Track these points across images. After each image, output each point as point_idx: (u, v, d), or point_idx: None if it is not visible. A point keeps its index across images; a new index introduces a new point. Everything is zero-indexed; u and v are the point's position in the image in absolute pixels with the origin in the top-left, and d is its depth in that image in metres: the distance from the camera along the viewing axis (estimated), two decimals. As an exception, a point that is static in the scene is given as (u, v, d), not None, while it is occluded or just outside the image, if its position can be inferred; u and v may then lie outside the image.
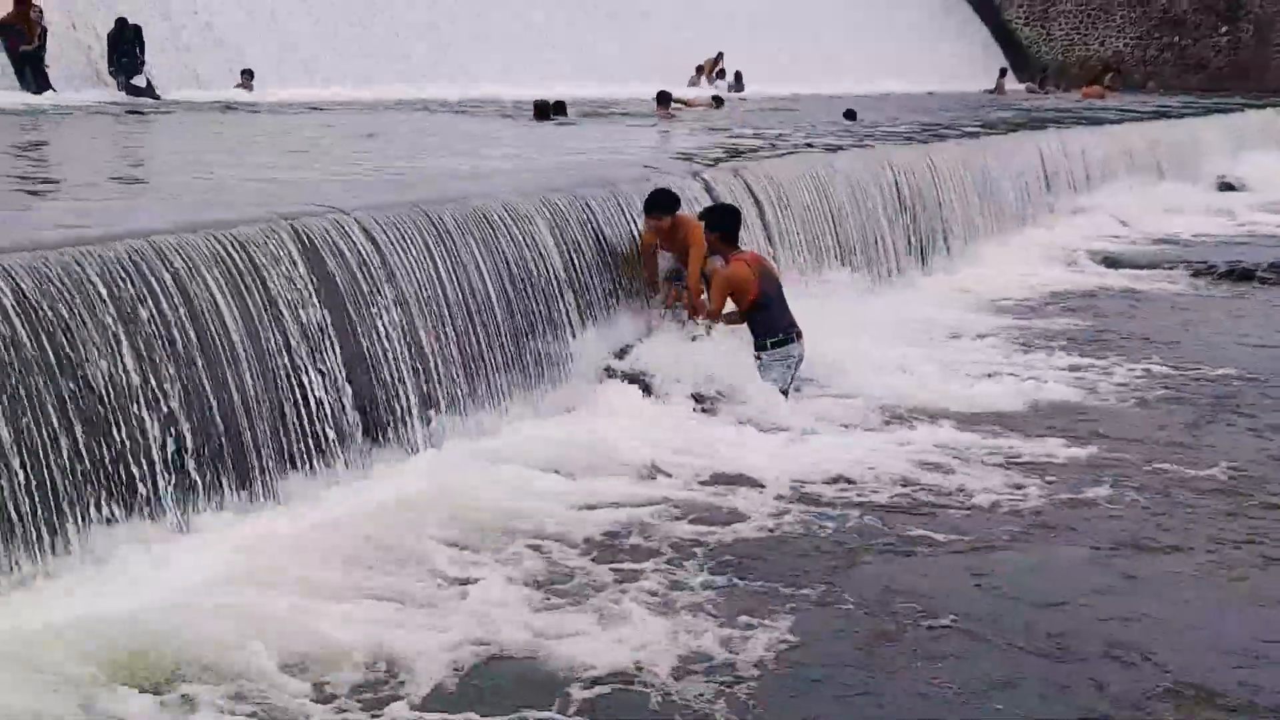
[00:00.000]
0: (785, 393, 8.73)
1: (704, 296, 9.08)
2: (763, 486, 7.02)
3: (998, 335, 11.20)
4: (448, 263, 7.84)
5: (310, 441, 6.60)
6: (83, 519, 5.45)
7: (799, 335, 8.95)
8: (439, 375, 7.53)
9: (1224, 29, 46.76)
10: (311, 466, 6.58)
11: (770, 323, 8.91)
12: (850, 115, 20.21)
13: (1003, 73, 42.72)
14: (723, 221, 9.19)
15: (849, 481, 7.16)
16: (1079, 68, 46.28)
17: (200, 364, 6.09)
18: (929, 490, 7.05)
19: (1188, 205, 20.28)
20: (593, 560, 5.96)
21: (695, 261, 9.08)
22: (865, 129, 17.59)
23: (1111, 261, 15.26)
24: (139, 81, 19.31)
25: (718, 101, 23.79)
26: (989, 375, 9.62)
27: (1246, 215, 20.12)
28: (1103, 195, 19.09)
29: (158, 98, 19.05)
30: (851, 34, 39.48)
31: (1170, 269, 14.81)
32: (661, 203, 9.22)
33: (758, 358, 8.83)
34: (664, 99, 20.82)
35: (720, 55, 32.16)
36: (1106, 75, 41.50)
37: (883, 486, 7.10)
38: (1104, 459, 7.64)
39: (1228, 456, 7.66)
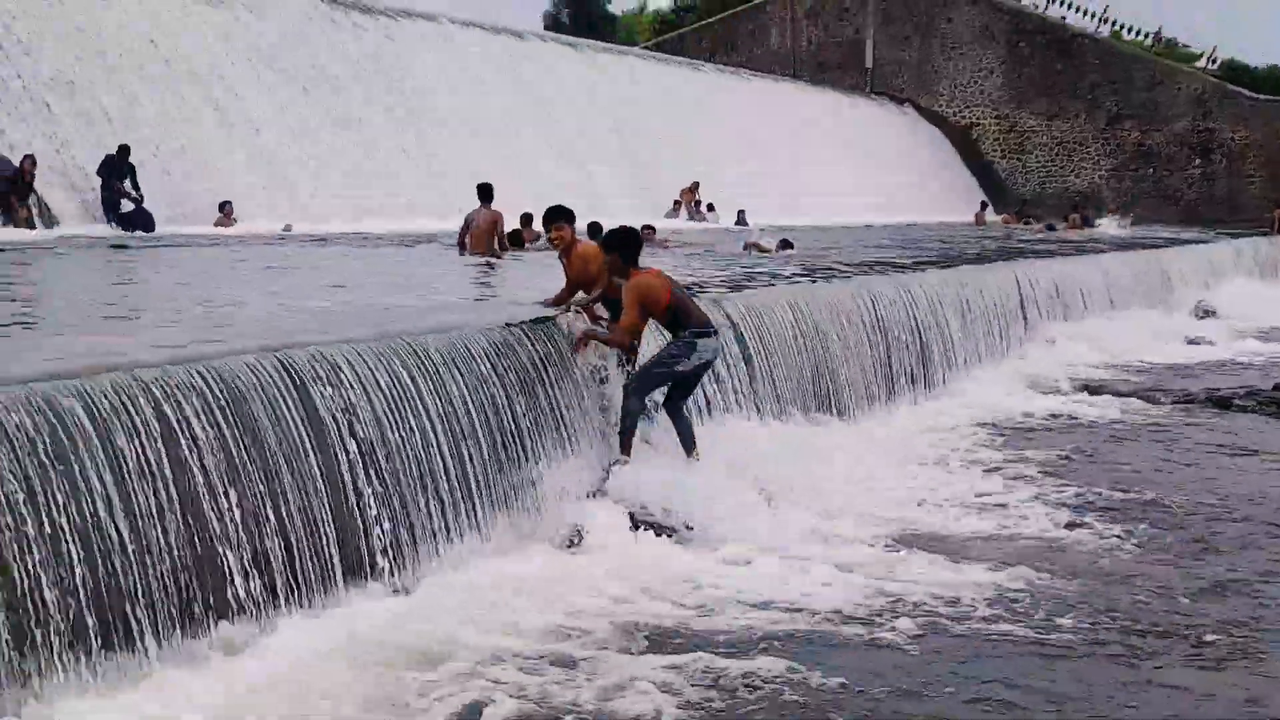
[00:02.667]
0: (694, 375, 9.20)
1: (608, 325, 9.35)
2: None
3: (977, 464, 11.23)
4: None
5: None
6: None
7: (715, 333, 9.41)
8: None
9: (1197, 162, 47.68)
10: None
11: (689, 319, 9.20)
12: (786, 245, 20.19)
13: (983, 205, 43.48)
14: (623, 241, 9.25)
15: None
16: (1057, 200, 47.03)
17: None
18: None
19: (1165, 333, 20.51)
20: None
21: (597, 287, 9.39)
22: (820, 257, 17.77)
23: (1092, 389, 15.37)
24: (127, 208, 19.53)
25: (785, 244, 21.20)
26: (966, 505, 9.65)
27: (1223, 342, 20.34)
28: (1082, 323, 19.28)
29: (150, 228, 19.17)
30: (832, 167, 40.13)
31: (1149, 397, 14.91)
32: (551, 213, 9.62)
33: (678, 338, 9.13)
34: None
35: (696, 185, 32.51)
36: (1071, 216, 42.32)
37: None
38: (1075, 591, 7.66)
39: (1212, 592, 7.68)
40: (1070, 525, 9.10)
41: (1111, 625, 6.97)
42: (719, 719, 5.67)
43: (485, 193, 16.69)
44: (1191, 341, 20.25)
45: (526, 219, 18.57)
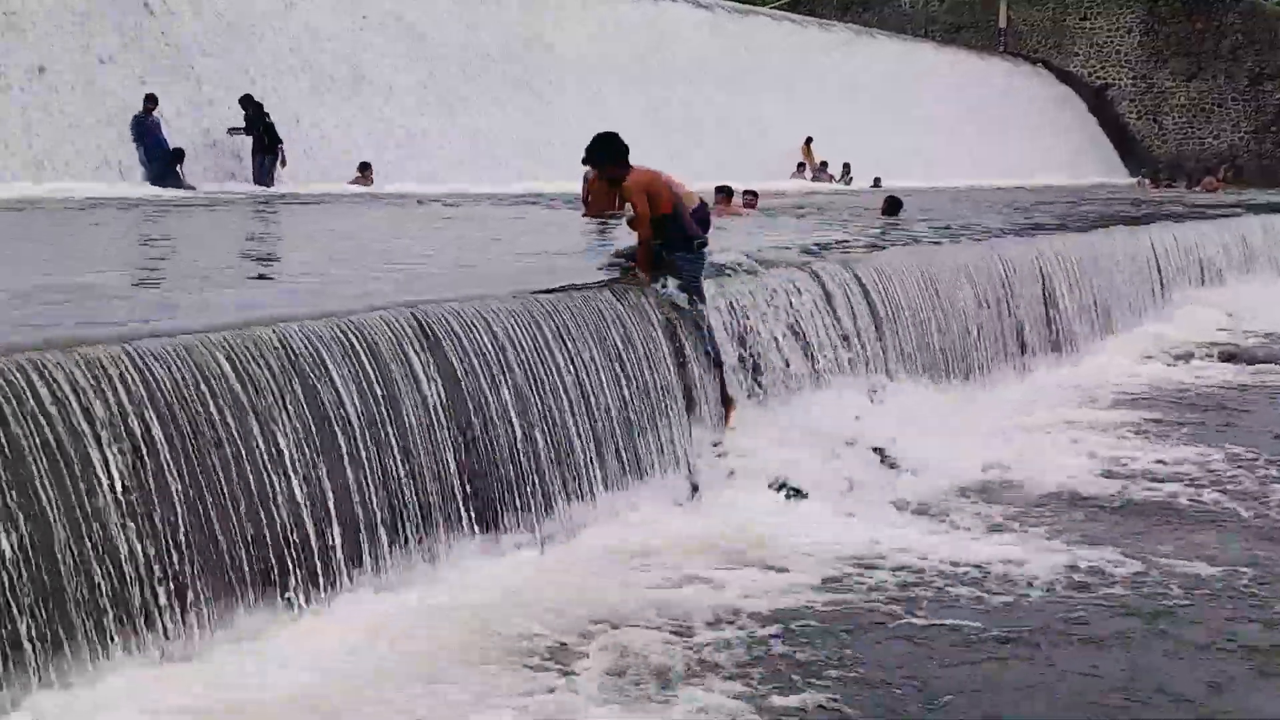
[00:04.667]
0: (699, 289, 9.14)
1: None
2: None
3: (1108, 430, 11.12)
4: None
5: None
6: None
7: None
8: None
9: (1342, 123, 46.22)
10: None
11: (688, 227, 9.15)
12: (894, 205, 18.58)
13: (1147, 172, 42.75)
14: (601, 151, 9.15)
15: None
16: (1194, 161, 45.91)
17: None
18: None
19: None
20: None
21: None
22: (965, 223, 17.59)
23: (1228, 356, 15.08)
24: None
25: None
26: (1094, 470, 9.59)
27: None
28: (1218, 289, 18.88)
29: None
30: (961, 128, 39.58)
31: (1284, 363, 14.63)
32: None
33: (685, 257, 9.14)
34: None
35: (810, 140, 32.17)
36: (1221, 169, 41.18)
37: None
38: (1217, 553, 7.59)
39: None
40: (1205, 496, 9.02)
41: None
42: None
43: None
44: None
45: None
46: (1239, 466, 9.74)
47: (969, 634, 6.22)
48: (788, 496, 8.40)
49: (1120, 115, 49.14)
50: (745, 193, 19.56)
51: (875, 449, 9.14)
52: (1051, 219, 19.24)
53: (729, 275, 10.06)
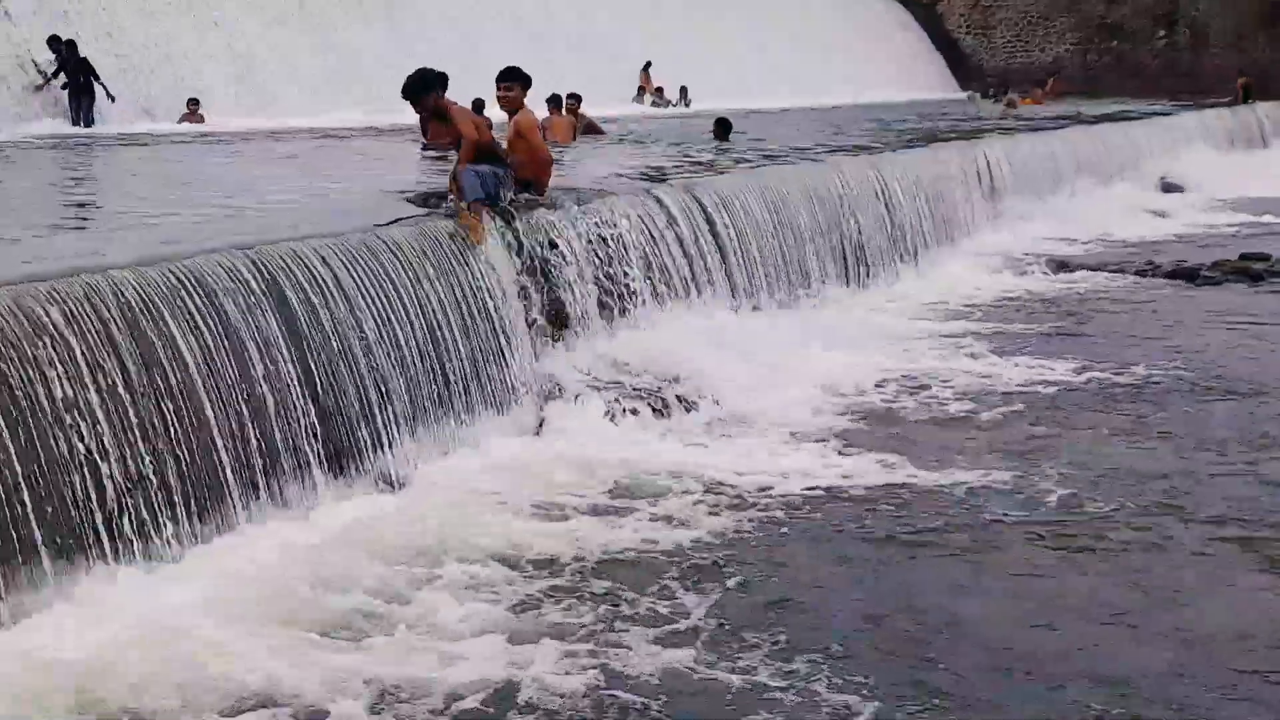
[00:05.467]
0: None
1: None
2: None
3: (946, 340, 11.38)
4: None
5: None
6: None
7: None
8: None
9: (1161, 34, 47.48)
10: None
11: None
12: (724, 127, 18.27)
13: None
14: (423, 84, 9.22)
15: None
16: (1022, 74, 46.81)
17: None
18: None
19: (1132, 207, 20.62)
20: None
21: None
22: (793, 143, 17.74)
23: (1059, 265, 15.50)
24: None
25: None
26: (930, 378, 9.85)
27: (1188, 215, 20.50)
28: (1049, 200, 19.37)
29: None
30: (793, 46, 39.79)
31: (1116, 271, 15.07)
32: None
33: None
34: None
35: (648, 65, 32.14)
36: (1049, 81, 42.09)
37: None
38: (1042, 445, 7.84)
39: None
40: (1042, 396, 9.31)
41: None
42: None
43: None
44: (1156, 214, 20.37)
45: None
46: (1057, 368, 10.07)
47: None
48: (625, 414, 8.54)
49: (950, 30, 49.88)
50: (569, 97, 19.48)
51: (678, 397, 9.08)
52: (886, 135, 19.51)
53: (571, 203, 10.03)
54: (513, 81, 9.64)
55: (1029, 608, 5.66)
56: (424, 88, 9.21)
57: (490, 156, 9.32)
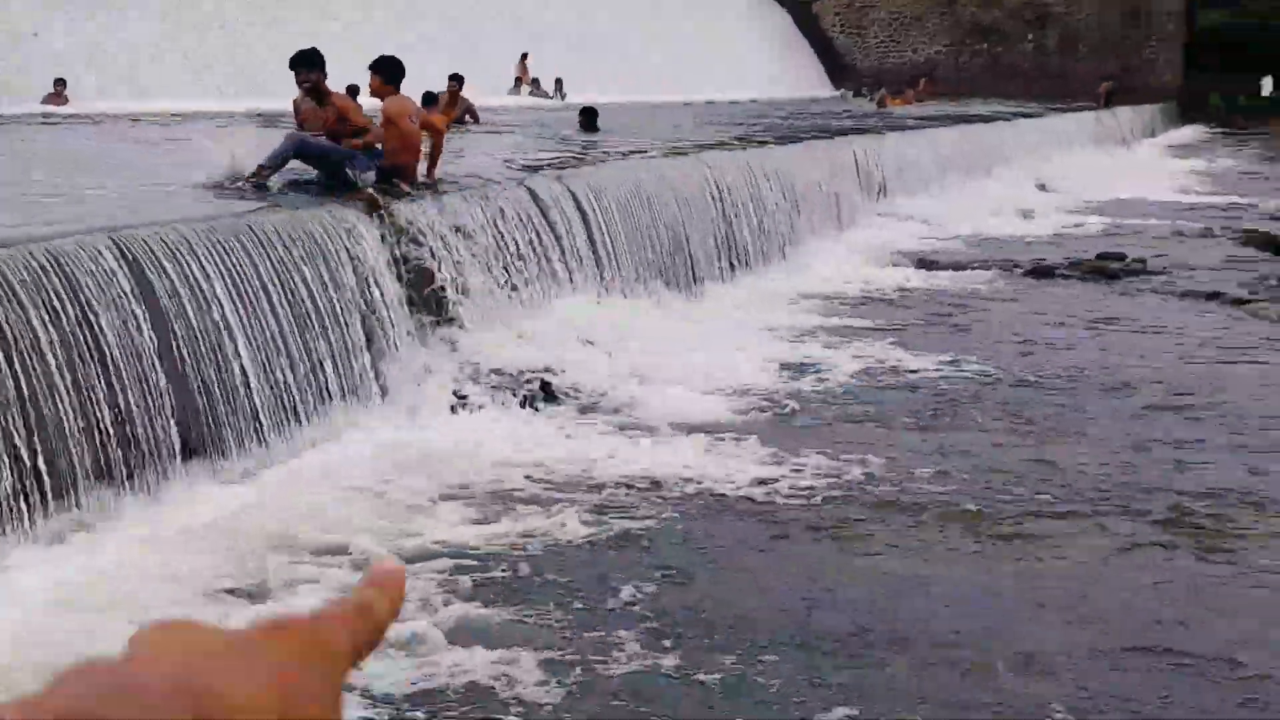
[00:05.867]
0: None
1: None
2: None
3: (816, 332, 11.59)
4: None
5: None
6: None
7: None
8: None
9: (1031, 38, 48.53)
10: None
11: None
12: (591, 118, 18.18)
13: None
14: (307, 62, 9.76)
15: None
16: (896, 74, 47.52)
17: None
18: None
19: (1000, 207, 21.09)
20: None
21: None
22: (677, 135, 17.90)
23: (924, 262, 15.84)
24: None
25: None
26: (797, 368, 10.05)
27: (1054, 215, 21.03)
28: (919, 198, 19.76)
29: None
30: (669, 41, 39.98)
31: (979, 268, 15.44)
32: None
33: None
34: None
35: (525, 55, 32.08)
36: (921, 81, 42.76)
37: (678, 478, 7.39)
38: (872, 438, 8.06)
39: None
40: (891, 386, 9.54)
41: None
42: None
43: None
44: (1022, 214, 20.87)
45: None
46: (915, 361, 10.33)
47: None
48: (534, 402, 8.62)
49: (825, 30, 50.47)
50: (451, 78, 19.39)
51: (543, 383, 9.17)
52: (759, 132, 19.74)
53: (446, 192, 10.06)
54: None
55: (894, 588, 5.85)
56: (314, 63, 9.45)
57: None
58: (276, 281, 7.86)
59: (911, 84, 41.08)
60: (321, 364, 8.03)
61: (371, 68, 10.15)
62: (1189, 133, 42.94)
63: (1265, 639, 5.42)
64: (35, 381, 6.12)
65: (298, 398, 7.78)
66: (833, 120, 25.02)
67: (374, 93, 10.15)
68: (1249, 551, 6.41)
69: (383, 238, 9.02)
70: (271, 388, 7.58)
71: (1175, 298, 13.71)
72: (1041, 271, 15.12)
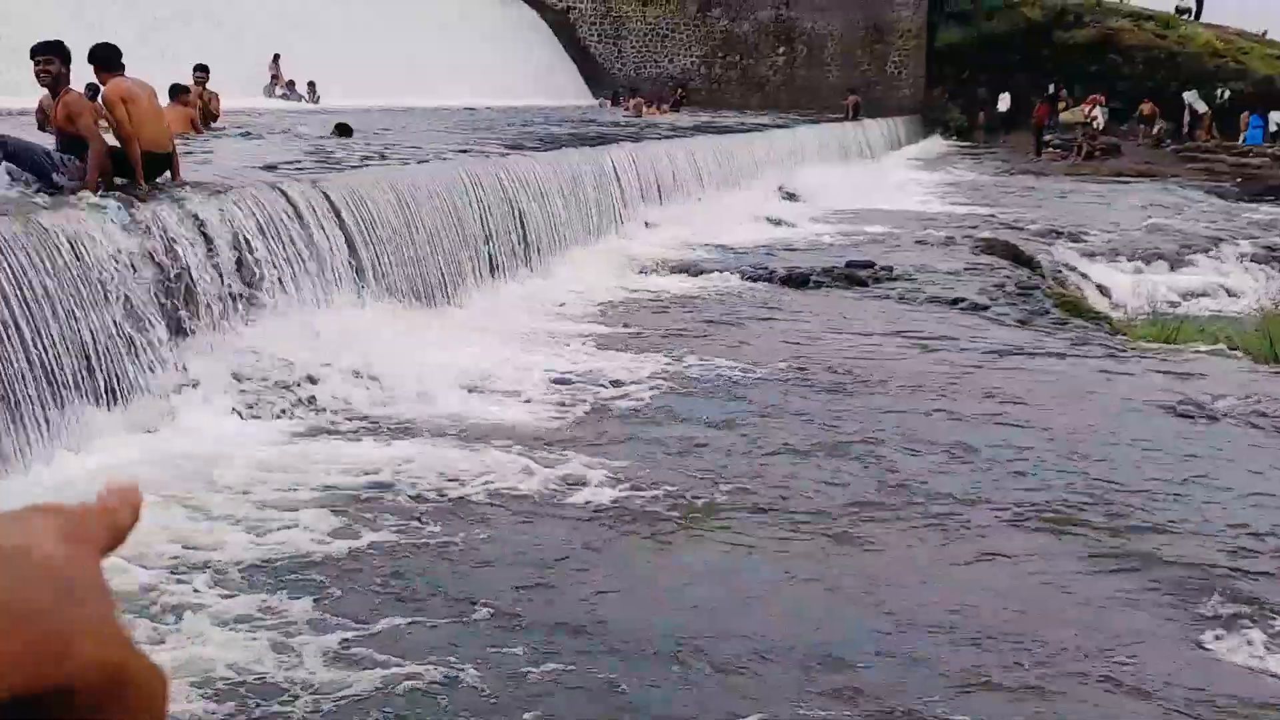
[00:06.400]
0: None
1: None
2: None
3: (570, 337, 11.64)
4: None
5: None
6: None
7: None
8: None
9: (781, 50, 49.82)
10: None
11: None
12: (344, 130, 18.20)
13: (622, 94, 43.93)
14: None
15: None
16: (653, 85, 48.15)
17: None
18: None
19: (750, 215, 21.56)
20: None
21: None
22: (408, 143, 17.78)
23: (680, 268, 16.07)
24: None
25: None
26: (553, 372, 10.08)
27: (803, 224, 21.60)
28: (672, 206, 20.04)
29: None
30: (426, 46, 39.66)
31: (734, 274, 15.75)
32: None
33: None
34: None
35: (276, 57, 31.40)
36: (678, 91, 43.48)
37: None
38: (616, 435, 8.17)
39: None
40: (643, 394, 9.66)
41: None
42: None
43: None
44: (774, 223, 21.39)
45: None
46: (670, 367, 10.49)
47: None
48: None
49: (582, 38, 50.83)
50: (197, 69, 18.69)
51: (310, 396, 9.02)
52: (516, 139, 19.74)
53: (197, 194, 9.74)
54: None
55: (647, 591, 5.90)
56: (58, 50, 9.10)
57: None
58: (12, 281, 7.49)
59: (669, 94, 41.73)
60: (60, 367, 7.67)
61: (88, 60, 9.65)
62: (932, 145, 44.78)
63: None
64: None
65: (34, 403, 7.43)
66: (591, 128, 25.21)
67: (102, 85, 9.65)
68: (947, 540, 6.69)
69: (131, 233, 8.69)
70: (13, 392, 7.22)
71: (920, 304, 14.23)
72: (795, 279, 15.50)
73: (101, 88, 9.96)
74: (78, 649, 0.51)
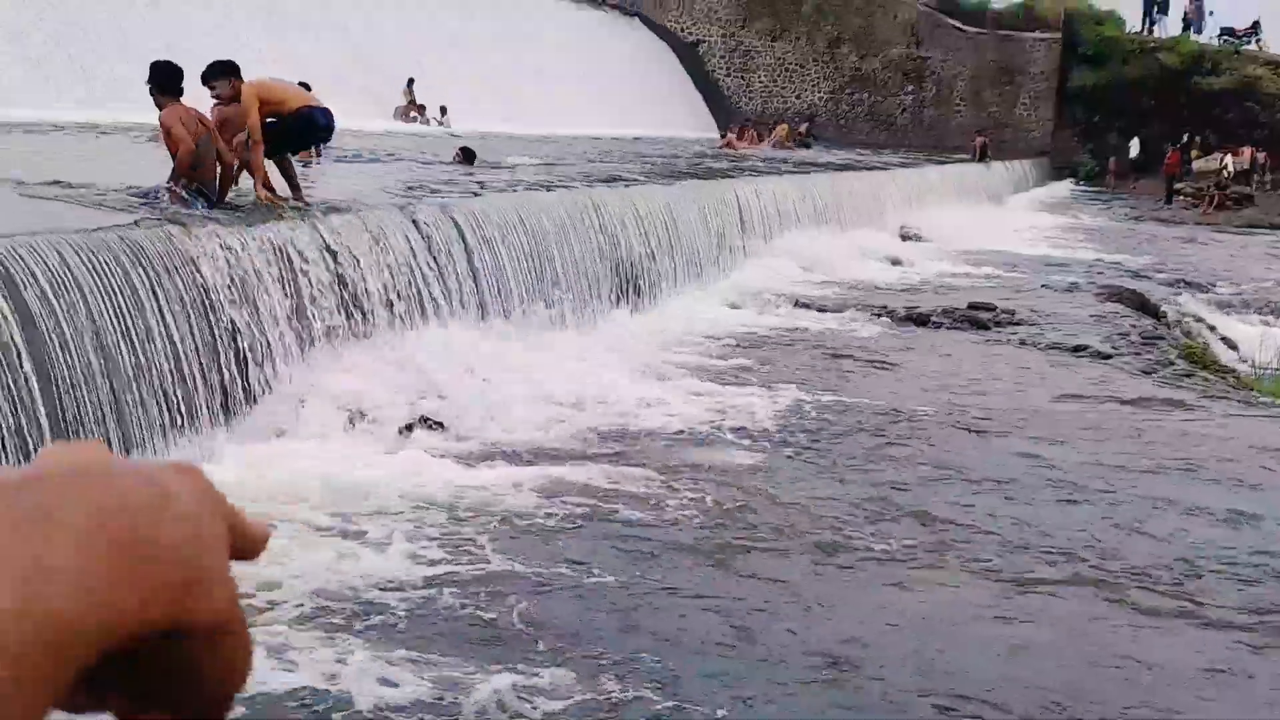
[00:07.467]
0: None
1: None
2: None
3: (687, 369, 11.68)
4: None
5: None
6: None
7: None
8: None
9: (909, 89, 49.57)
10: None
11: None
12: (468, 156, 18.16)
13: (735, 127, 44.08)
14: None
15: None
16: (778, 119, 48.15)
17: None
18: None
19: (872, 253, 21.48)
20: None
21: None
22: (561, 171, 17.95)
23: (799, 304, 16.05)
24: None
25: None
26: (667, 405, 10.12)
27: (925, 265, 21.46)
28: (793, 241, 20.00)
29: None
30: (556, 76, 40.11)
31: (853, 313, 15.69)
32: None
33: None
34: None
35: (411, 81, 31.95)
36: (803, 125, 43.42)
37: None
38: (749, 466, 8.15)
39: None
40: (765, 430, 9.65)
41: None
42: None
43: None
44: (895, 262, 21.28)
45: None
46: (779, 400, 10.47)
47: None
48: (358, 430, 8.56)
49: (711, 71, 51.02)
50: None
51: (424, 416, 9.10)
52: (639, 170, 19.87)
53: (329, 215, 9.98)
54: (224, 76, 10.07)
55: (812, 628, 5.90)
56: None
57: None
58: (153, 297, 7.73)
59: (793, 128, 41.62)
60: (186, 379, 7.89)
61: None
62: (1060, 189, 44.19)
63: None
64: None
65: (160, 412, 7.64)
66: (718, 161, 25.29)
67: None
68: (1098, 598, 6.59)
69: (268, 253, 8.92)
70: (134, 402, 7.43)
71: (1042, 349, 14.05)
72: (916, 318, 15.41)
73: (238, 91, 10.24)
74: (205, 592, 0.56)
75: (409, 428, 8.77)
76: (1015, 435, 9.89)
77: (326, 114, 10.64)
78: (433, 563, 6.46)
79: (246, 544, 0.61)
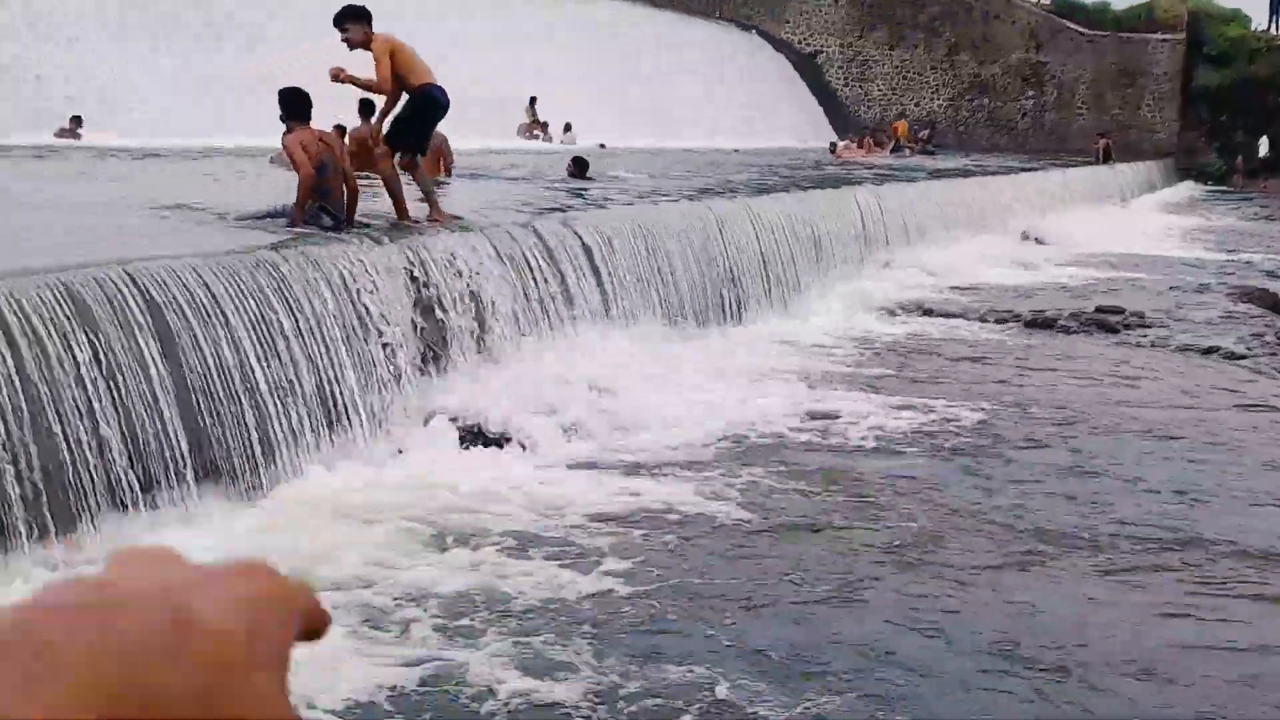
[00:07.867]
0: None
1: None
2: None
3: (819, 379, 11.65)
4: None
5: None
6: None
7: None
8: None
9: (1030, 94, 48.94)
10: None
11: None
12: (582, 166, 18.28)
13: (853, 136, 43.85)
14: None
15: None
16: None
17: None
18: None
19: (996, 258, 21.26)
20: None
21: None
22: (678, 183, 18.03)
23: (925, 310, 15.95)
24: None
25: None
26: (797, 417, 10.10)
27: (1050, 269, 21.18)
28: (917, 248, 19.90)
29: None
30: (677, 90, 40.25)
31: (979, 318, 15.54)
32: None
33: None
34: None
35: (533, 100, 32.28)
36: (924, 132, 43.05)
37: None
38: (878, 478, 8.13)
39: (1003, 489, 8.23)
40: (896, 434, 9.61)
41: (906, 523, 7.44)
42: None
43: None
44: (1021, 266, 21.03)
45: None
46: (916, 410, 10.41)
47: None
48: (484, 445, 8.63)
49: (830, 82, 50.86)
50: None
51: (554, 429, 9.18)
52: (763, 179, 19.90)
53: (452, 231, 10.17)
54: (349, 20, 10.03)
55: (916, 640, 5.91)
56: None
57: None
58: (290, 314, 7.95)
59: (918, 134, 41.29)
60: (314, 397, 8.08)
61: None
62: (1185, 190, 43.31)
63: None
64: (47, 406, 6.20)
65: (291, 427, 7.83)
66: (834, 168, 25.20)
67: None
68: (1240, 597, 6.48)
69: (396, 271, 9.11)
70: (269, 416, 7.64)
71: (1173, 351, 13.80)
72: (1043, 323, 15.23)
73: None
74: (235, 705, 0.54)
75: (534, 442, 8.83)
76: (1181, 440, 9.72)
77: (444, 92, 10.48)
78: (627, 577, 6.51)
79: (314, 624, 0.61)
